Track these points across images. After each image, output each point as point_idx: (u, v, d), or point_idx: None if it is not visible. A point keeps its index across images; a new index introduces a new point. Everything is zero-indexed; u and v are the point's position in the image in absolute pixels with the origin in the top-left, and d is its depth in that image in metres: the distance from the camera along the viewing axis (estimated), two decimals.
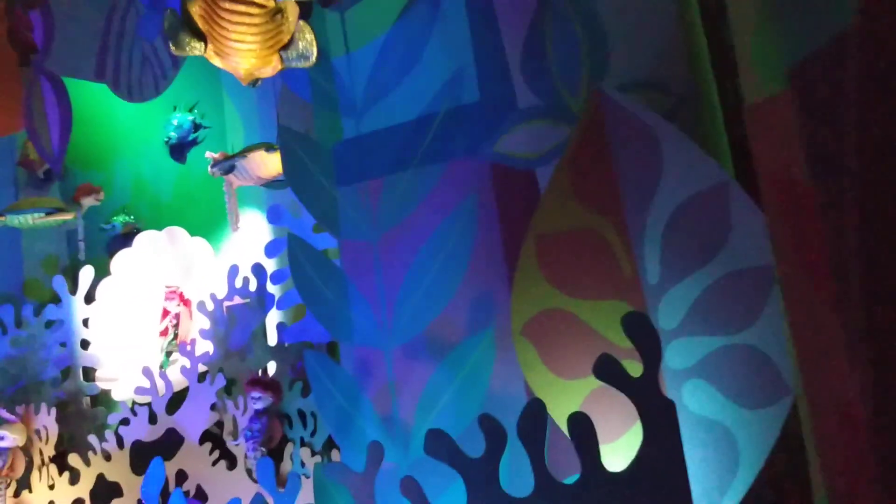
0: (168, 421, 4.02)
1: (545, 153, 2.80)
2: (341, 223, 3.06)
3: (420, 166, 2.97)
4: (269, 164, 4.18)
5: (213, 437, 3.99)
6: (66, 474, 4.10)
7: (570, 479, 2.20)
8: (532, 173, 2.83)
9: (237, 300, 4.46)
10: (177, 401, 4.11)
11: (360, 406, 2.99)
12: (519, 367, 2.71)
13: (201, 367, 4.21)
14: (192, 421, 3.99)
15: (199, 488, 3.84)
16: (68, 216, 4.93)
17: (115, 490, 3.88)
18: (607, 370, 2.16)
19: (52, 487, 4.12)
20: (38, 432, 4.43)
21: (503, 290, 2.80)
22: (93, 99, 5.05)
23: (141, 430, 4.06)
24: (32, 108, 3.58)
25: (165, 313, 4.82)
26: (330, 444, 3.73)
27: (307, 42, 2.65)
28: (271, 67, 2.79)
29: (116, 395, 4.70)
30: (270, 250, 4.29)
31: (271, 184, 4.47)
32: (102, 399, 4.81)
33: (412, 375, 2.96)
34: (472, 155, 2.93)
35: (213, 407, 4.00)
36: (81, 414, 4.67)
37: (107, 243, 5.28)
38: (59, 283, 4.78)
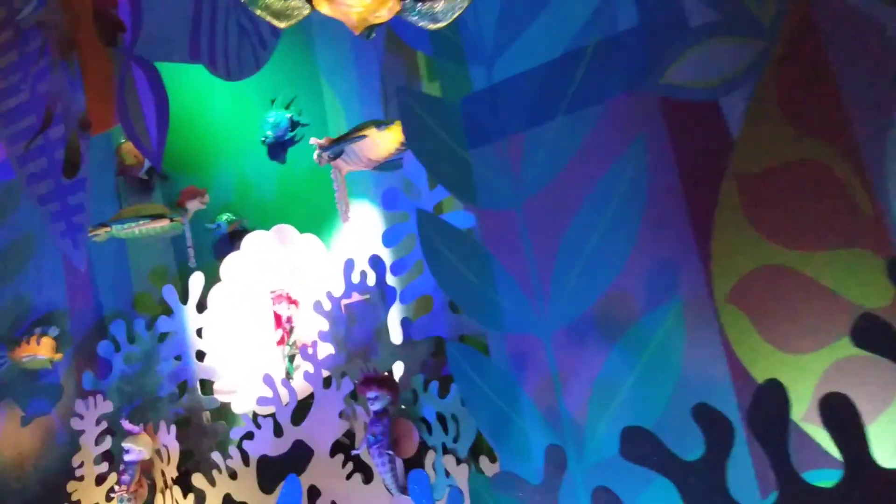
0: (295, 432, 3.63)
1: (730, 78, 2.24)
2: (477, 191, 2.57)
3: (570, 112, 2.46)
4: (381, 143, 3.73)
5: (344, 448, 3.58)
6: (191, 496, 3.75)
7: (822, 478, 1.67)
8: (714, 105, 2.28)
9: (356, 297, 4.04)
10: (300, 410, 3.72)
11: (518, 403, 2.51)
12: (719, 344, 2.16)
13: (323, 373, 3.81)
14: (321, 431, 3.58)
15: None
16: (175, 221, 4.62)
17: None
18: (871, 333, 1.60)
19: None
20: (158, 452, 4.13)
21: (689, 250, 2.25)
22: (187, 101, 4.76)
23: (266, 444, 3.68)
24: (126, 100, 3.24)
25: (278, 318, 4.45)
26: (476, 451, 3.25)
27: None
28: (387, 9, 2.32)
29: (237, 408, 4.35)
30: (388, 239, 3.84)
31: (383, 166, 4.02)
32: (222, 413, 4.48)
33: (580, 363, 2.44)
34: (635, 91, 2.38)
35: (341, 414, 3.58)
36: (202, 430, 4.34)
37: (213, 245, 4.95)
38: (170, 292, 4.48)
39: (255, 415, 3.88)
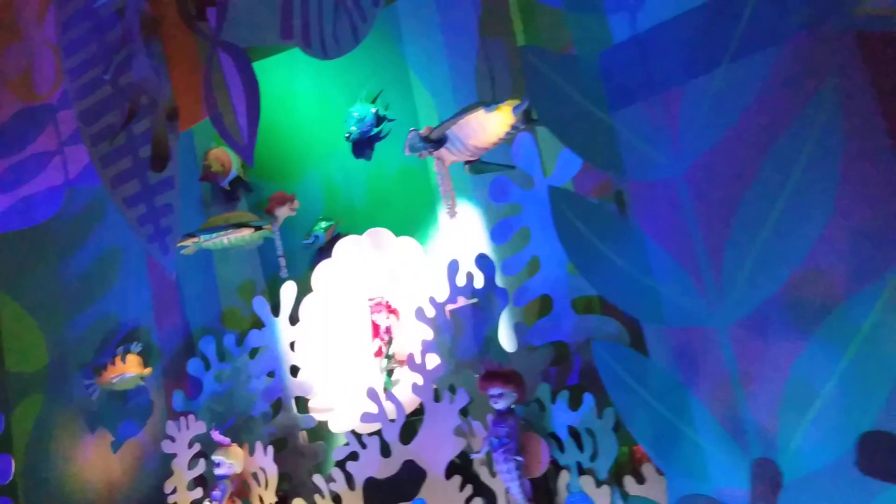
0: (405, 452, 3.25)
1: None
2: (624, 160, 2.15)
3: (737, 59, 2.02)
4: (489, 126, 3.35)
5: (460, 469, 3.18)
6: None
7: None
8: None
9: (461, 301, 3.66)
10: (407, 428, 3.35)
11: (687, 411, 2.06)
12: None
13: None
14: (434, 450, 3.19)
15: None
16: (264, 230, 4.33)
17: None
18: None
19: None
20: (255, 476, 3.80)
21: None
22: (267, 105, 4.48)
23: (373, 465, 3.31)
24: (213, 91, 2.95)
25: (376, 328, 4.09)
26: (618, 470, 2.80)
27: None
28: None
29: (334, 427, 4.00)
30: (498, 234, 3.46)
31: (482, 167, 3.63)
32: (319, 432, 4.13)
33: (765, 359, 1.99)
34: (822, 27, 1.93)
35: (456, 431, 3.18)
36: (299, 451, 3.99)
37: (311, 258, 4.62)
38: (260, 304, 4.17)
39: (357, 433, 3.51)
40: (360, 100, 4.30)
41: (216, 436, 3.75)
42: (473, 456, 3.02)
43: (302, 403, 4.11)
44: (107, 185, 3.43)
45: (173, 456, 4.04)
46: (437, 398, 3.23)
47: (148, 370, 4.51)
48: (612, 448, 2.81)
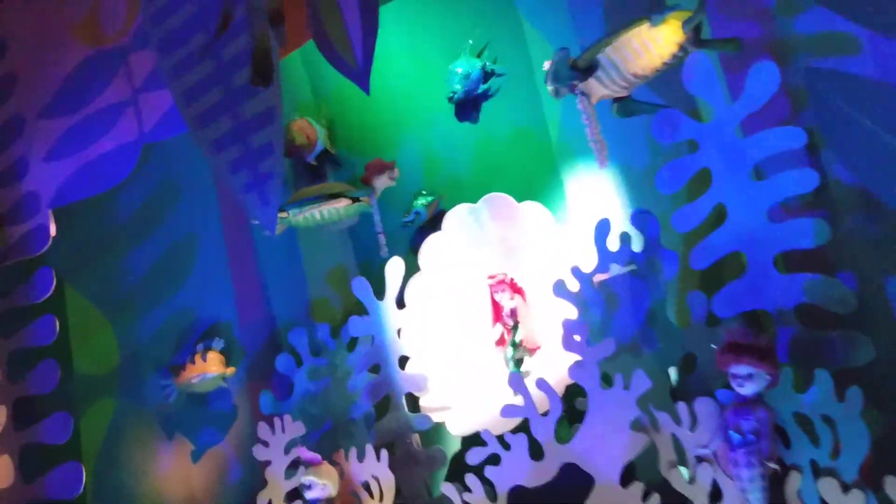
0: (563, 453, 2.54)
1: None
2: None
3: None
4: (654, 45, 2.67)
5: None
6: None
7: None
8: None
9: (616, 270, 2.96)
10: None
11: None
12: None
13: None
14: (605, 450, 2.48)
15: None
16: (361, 202, 3.70)
17: None
18: None
19: None
20: (367, 486, 3.14)
21: None
22: None
23: (522, 471, 2.60)
24: (320, 10, 2.32)
25: (497, 310, 3.40)
26: (874, 471, 2.06)
27: None
28: None
29: (454, 429, 3.32)
30: (669, 179, 2.75)
31: (635, 107, 2.94)
32: (435, 435, 3.46)
33: None
34: None
35: (635, 425, 2.47)
36: (412, 457, 3.31)
37: (411, 238, 3.96)
38: (361, 286, 3.52)
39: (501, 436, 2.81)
40: (464, 54, 3.67)
41: (303, 452, 3.11)
42: (699, 451, 2.28)
43: (413, 402, 3.44)
44: (191, 124, 2.80)
45: (266, 464, 3.39)
46: (606, 383, 2.52)
47: (231, 370, 3.91)
48: (862, 439, 2.07)
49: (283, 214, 3.62)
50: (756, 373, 2.18)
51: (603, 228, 2.96)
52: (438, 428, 3.36)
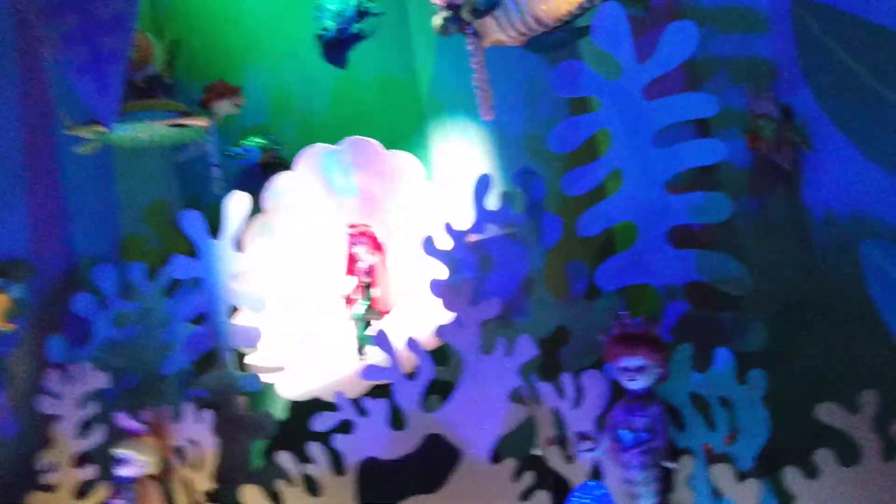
0: (429, 422, 2.23)
1: None
2: None
3: None
4: None
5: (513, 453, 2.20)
6: None
7: None
8: None
9: (491, 231, 2.70)
10: None
11: None
12: None
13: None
14: (477, 421, 2.19)
15: None
16: (195, 127, 3.18)
17: None
18: None
19: None
20: (180, 452, 2.65)
21: None
22: None
23: (377, 441, 2.26)
24: None
25: (352, 263, 3.05)
26: (771, 457, 1.93)
27: None
28: None
29: (286, 391, 2.92)
30: (562, 139, 2.52)
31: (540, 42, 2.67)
32: (264, 398, 3.03)
33: None
34: None
35: (514, 396, 2.20)
36: (236, 422, 2.86)
37: (236, 177, 3.49)
38: (192, 220, 3.01)
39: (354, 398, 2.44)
40: None
41: (124, 420, 2.59)
42: (583, 452, 2.05)
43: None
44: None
45: (55, 420, 2.80)
46: (485, 349, 2.24)
47: (10, 326, 3.17)
48: (761, 423, 1.94)
49: (101, 129, 3.02)
50: (647, 364, 1.99)
51: (482, 185, 2.68)
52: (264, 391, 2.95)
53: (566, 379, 2.12)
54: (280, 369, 2.97)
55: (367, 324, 3.00)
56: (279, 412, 3.03)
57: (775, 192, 2.42)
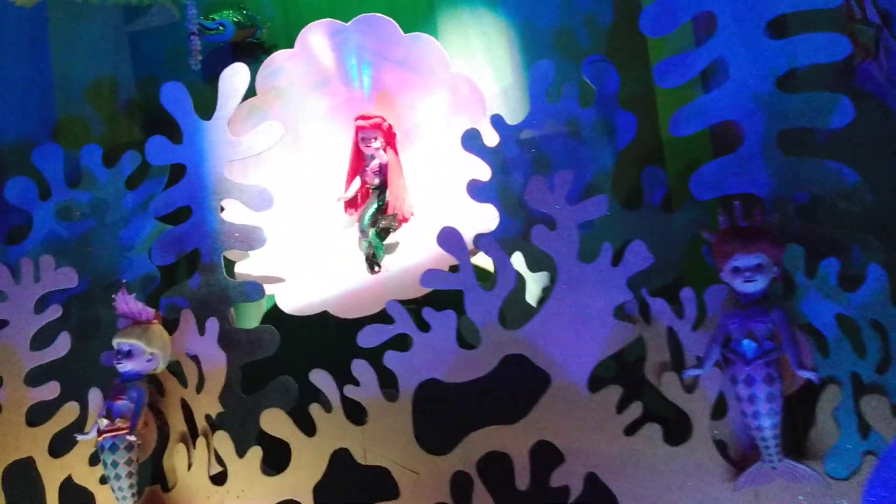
0: (510, 341, 1.83)
1: None
2: None
3: None
4: None
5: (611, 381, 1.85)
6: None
7: None
8: None
9: (550, 128, 2.30)
10: None
11: None
12: None
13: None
14: (572, 342, 1.81)
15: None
16: None
17: None
18: None
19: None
20: (174, 368, 2.14)
21: None
22: None
23: (441, 362, 1.84)
24: None
25: (358, 161, 2.58)
26: None
27: None
28: None
29: (287, 305, 2.44)
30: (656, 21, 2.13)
31: None
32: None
33: None
34: None
35: (619, 313, 1.83)
36: (228, 338, 2.35)
37: (207, 57, 2.92)
38: (175, 94, 2.43)
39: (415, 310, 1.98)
40: None
41: (128, 303, 2.05)
42: (690, 373, 1.73)
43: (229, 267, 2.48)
44: None
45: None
46: (583, 257, 1.85)
47: None
48: None
49: None
50: (767, 263, 1.69)
51: (541, 73, 2.26)
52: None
53: (686, 294, 1.77)
54: (282, 280, 2.48)
55: (385, 232, 2.55)
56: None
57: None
